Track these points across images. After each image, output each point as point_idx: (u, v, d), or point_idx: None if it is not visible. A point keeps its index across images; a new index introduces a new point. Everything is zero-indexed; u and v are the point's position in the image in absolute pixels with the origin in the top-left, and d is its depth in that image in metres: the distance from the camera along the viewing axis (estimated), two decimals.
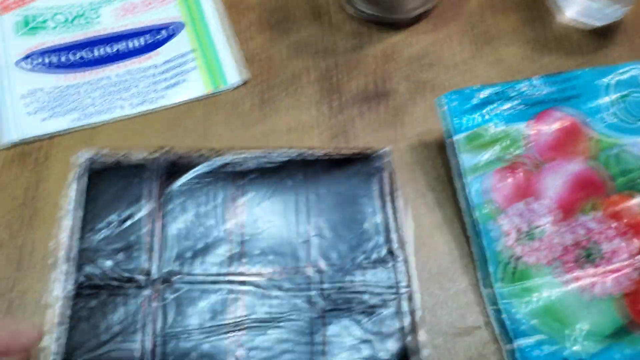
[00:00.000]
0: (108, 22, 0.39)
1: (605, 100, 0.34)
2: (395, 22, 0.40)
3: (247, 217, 0.32)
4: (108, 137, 0.36)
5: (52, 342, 0.29)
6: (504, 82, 0.33)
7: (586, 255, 0.31)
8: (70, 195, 0.33)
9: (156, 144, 0.35)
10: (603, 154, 0.32)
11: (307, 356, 0.29)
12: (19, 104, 0.36)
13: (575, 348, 0.29)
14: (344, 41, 0.39)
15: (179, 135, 0.36)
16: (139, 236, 0.31)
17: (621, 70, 0.34)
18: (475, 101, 0.32)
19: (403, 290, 0.30)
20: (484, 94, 0.32)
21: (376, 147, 0.34)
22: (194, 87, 0.37)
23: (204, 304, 0.30)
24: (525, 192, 0.32)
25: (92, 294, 0.30)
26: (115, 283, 0.30)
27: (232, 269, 0.31)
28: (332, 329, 0.29)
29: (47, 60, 0.38)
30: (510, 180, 0.32)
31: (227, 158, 0.34)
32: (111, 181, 0.33)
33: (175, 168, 0.33)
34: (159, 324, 0.29)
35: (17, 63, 0.37)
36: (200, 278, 0.31)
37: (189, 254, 0.31)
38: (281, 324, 0.29)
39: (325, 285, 0.30)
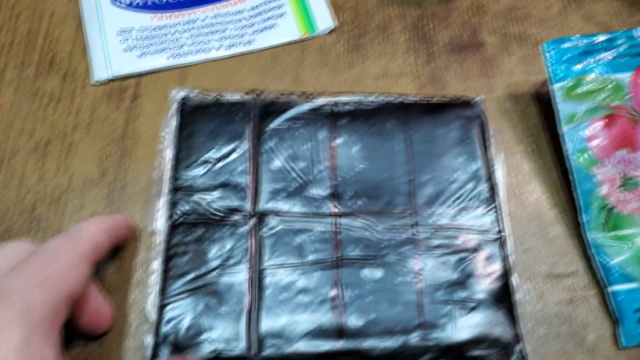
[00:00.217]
0: None
1: None
2: None
3: (342, 158, 0.33)
4: (199, 79, 0.36)
5: (155, 270, 0.30)
6: (606, 32, 0.33)
7: None
8: (171, 127, 0.33)
9: (246, 87, 0.35)
10: None
11: (401, 295, 0.29)
12: (115, 40, 0.36)
13: None
14: None
15: (269, 79, 0.36)
16: (234, 175, 0.32)
17: None
18: (576, 50, 0.32)
19: (497, 235, 0.31)
20: (585, 43, 0.32)
21: (467, 96, 0.35)
22: (284, 32, 0.37)
23: (298, 242, 0.30)
24: (623, 143, 0.32)
25: (188, 228, 0.30)
26: (212, 219, 0.31)
27: (326, 210, 0.31)
28: (427, 271, 0.30)
29: (138, 0, 0.38)
30: (608, 130, 0.32)
31: (321, 101, 0.34)
32: (205, 120, 0.33)
33: (268, 110, 0.34)
34: (255, 260, 0.30)
35: (112, 1, 0.38)
36: (295, 217, 0.31)
37: (283, 194, 0.32)
38: (376, 263, 0.30)
39: (420, 228, 0.31)
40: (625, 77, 0.32)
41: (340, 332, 0.28)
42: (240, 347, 0.28)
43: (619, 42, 0.33)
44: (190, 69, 0.36)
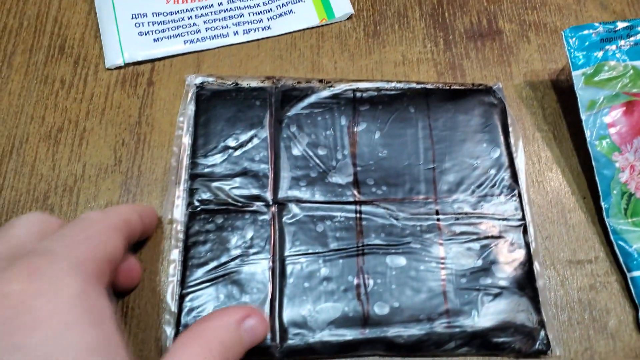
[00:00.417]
0: None
1: None
2: None
3: (364, 145, 0.32)
4: (214, 65, 0.35)
5: (174, 259, 0.29)
6: (626, 19, 0.33)
7: None
8: (189, 114, 0.32)
9: (263, 74, 0.35)
10: None
11: (425, 283, 0.29)
12: (130, 24, 0.35)
13: None
14: None
15: (286, 65, 0.36)
16: (254, 162, 0.31)
17: None
18: (597, 37, 0.32)
19: (519, 222, 0.31)
20: (605, 30, 0.32)
21: (487, 83, 0.35)
22: (302, 17, 0.37)
23: (320, 230, 0.30)
24: None
25: (208, 216, 0.30)
26: (232, 207, 0.30)
27: (347, 198, 0.31)
28: (450, 258, 0.30)
29: None
30: (628, 117, 0.32)
31: (341, 87, 0.34)
32: (223, 107, 0.33)
33: (288, 96, 0.33)
34: (276, 248, 0.29)
35: None
36: (316, 205, 0.31)
37: (304, 182, 0.31)
38: (399, 250, 0.30)
39: (442, 216, 0.31)
40: None
41: (364, 320, 0.28)
42: None
43: (638, 29, 0.33)
44: (206, 55, 0.36)
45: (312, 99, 0.33)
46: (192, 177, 0.31)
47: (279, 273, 0.29)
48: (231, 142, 0.32)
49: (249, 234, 0.30)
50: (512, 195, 0.32)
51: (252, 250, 0.29)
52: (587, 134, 0.32)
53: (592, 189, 0.32)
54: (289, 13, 0.37)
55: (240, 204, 0.30)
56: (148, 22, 0.36)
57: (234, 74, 0.34)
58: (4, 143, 0.33)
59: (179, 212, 0.30)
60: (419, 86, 0.34)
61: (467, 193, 0.31)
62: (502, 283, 0.29)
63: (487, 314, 0.28)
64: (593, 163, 0.32)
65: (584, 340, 0.29)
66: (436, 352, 0.28)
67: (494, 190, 0.32)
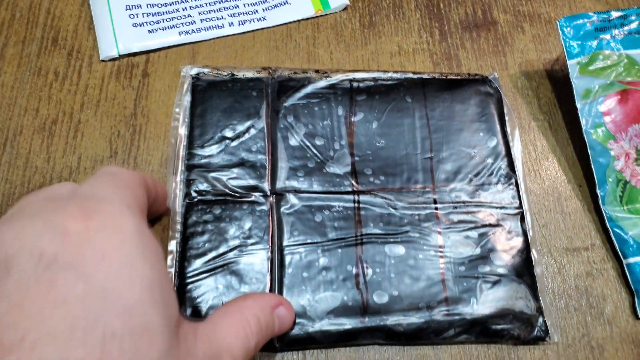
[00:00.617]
0: None
1: None
2: None
3: (361, 135, 0.32)
4: (210, 56, 0.35)
5: (172, 250, 0.29)
6: (620, 9, 0.33)
7: None
8: (185, 105, 0.32)
9: (259, 65, 0.34)
10: None
11: (424, 271, 0.29)
12: (124, 16, 0.35)
13: None
14: None
15: (282, 56, 0.35)
16: (251, 153, 0.31)
17: None
18: (591, 27, 0.33)
19: (516, 210, 0.31)
20: (600, 19, 0.33)
21: (482, 73, 0.35)
22: (297, 8, 0.37)
23: (318, 220, 0.30)
24: (637, 117, 0.32)
25: (206, 207, 0.30)
26: (230, 198, 0.30)
27: (345, 188, 0.31)
28: (449, 246, 0.30)
29: None
30: (622, 105, 0.32)
31: (338, 78, 0.34)
32: (219, 97, 0.32)
33: (285, 86, 0.33)
34: (275, 238, 0.29)
35: None
36: (314, 195, 0.30)
37: (301, 172, 0.31)
38: (397, 239, 0.30)
39: (440, 205, 0.31)
40: (639, 53, 0.33)
41: (364, 309, 0.28)
42: None
43: (632, 18, 0.33)
44: (201, 46, 0.36)
45: (309, 89, 0.33)
46: (189, 167, 0.31)
47: (278, 263, 0.29)
48: (228, 133, 0.32)
49: (247, 224, 0.30)
50: (509, 184, 0.32)
51: (250, 241, 0.29)
52: (583, 122, 0.32)
53: (587, 177, 0.33)
54: (284, 4, 0.37)
55: (238, 195, 0.30)
56: (142, 14, 0.36)
57: (229, 64, 0.34)
58: None
59: (176, 203, 0.30)
60: (416, 76, 0.34)
61: (465, 182, 0.32)
62: (501, 271, 0.29)
63: (485, 302, 0.29)
64: (588, 151, 0.32)
65: (581, 326, 0.29)
66: (435, 340, 0.28)
67: (492, 179, 0.32)
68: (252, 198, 0.30)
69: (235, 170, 0.31)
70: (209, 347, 0.22)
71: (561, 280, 0.30)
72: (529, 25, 0.37)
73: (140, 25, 0.35)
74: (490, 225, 0.31)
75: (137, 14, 0.35)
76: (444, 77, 0.34)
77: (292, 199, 0.30)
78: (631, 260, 0.30)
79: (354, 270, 0.29)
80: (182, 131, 0.32)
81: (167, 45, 0.35)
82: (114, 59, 0.35)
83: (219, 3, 0.36)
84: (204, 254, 0.29)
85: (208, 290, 0.28)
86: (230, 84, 0.33)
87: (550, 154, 0.34)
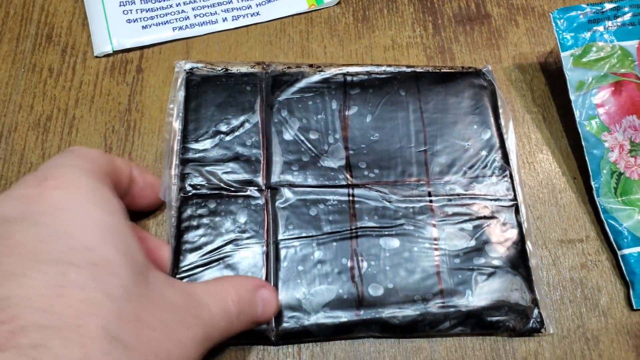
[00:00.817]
0: None
1: None
2: None
3: (355, 129, 0.32)
4: (204, 51, 0.35)
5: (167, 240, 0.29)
6: (613, 1, 0.33)
7: None
8: (179, 100, 0.32)
9: (253, 59, 0.34)
10: None
11: (419, 264, 0.29)
12: (118, 12, 0.35)
13: None
14: None
15: (276, 51, 0.35)
16: (245, 147, 0.31)
17: None
18: (584, 18, 0.33)
19: (511, 202, 0.31)
20: (593, 11, 0.33)
21: (476, 66, 0.35)
22: (291, 3, 0.37)
23: (313, 213, 0.30)
24: (631, 109, 0.32)
25: (201, 201, 0.30)
26: (224, 192, 0.30)
27: (340, 181, 0.31)
28: (443, 239, 0.30)
29: None
30: (616, 97, 0.32)
31: (332, 72, 0.34)
32: (213, 92, 0.32)
33: (278, 81, 0.33)
34: (270, 232, 0.29)
35: None
36: (309, 189, 0.31)
37: (296, 166, 0.31)
38: (392, 232, 0.30)
39: (435, 197, 0.31)
40: (632, 44, 0.33)
41: (359, 302, 0.28)
42: None
43: (625, 10, 0.33)
44: (195, 42, 0.36)
45: (303, 83, 0.33)
46: (183, 162, 0.31)
47: (273, 257, 0.29)
48: (222, 127, 0.32)
49: (242, 218, 0.30)
50: (504, 176, 0.32)
51: (245, 235, 0.29)
52: (577, 114, 0.32)
53: (582, 169, 0.33)
54: None
55: (232, 189, 0.30)
56: (136, 10, 0.36)
57: (223, 60, 0.34)
58: None
59: (171, 197, 0.30)
60: (409, 70, 0.34)
61: (459, 174, 0.32)
62: (496, 262, 0.29)
63: (481, 294, 0.29)
64: (583, 143, 0.32)
65: (576, 317, 0.29)
66: (431, 332, 0.28)
67: (486, 171, 0.32)
68: (247, 192, 0.30)
69: (230, 164, 0.31)
70: (186, 299, 0.22)
71: (556, 272, 0.30)
72: (523, 19, 0.38)
73: (134, 21, 0.35)
74: (485, 217, 0.31)
75: (130, 10, 0.36)
76: (438, 71, 0.34)
77: (286, 193, 0.30)
78: (626, 251, 0.30)
79: (349, 264, 0.29)
80: (176, 126, 0.32)
81: (161, 41, 0.35)
82: (108, 55, 0.35)
83: (207, 0, 0.36)
84: (199, 247, 0.29)
85: None
86: (224, 79, 0.33)
87: (544, 146, 0.34)
